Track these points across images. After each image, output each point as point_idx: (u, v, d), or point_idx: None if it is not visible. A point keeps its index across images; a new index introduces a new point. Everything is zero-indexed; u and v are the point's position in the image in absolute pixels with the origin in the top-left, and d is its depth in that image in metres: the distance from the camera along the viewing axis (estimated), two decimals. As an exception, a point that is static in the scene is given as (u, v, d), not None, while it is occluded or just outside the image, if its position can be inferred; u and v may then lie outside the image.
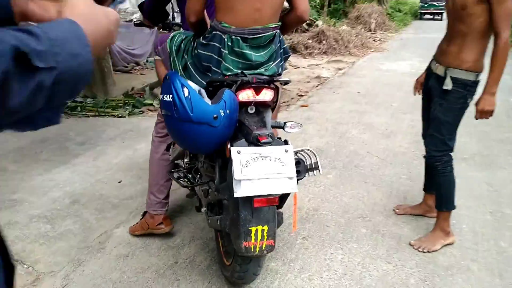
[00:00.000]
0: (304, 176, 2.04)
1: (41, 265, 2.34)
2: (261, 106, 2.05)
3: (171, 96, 1.75)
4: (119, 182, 3.37)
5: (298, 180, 2.03)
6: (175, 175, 2.41)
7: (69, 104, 5.55)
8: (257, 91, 1.97)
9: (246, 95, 1.95)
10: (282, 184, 1.83)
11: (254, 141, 1.83)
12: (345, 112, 5.45)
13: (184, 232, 2.64)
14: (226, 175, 1.93)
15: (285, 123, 2.07)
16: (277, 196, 1.85)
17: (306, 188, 3.28)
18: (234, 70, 2.00)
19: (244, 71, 1.98)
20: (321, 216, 2.87)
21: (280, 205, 2.30)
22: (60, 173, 3.51)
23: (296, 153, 2.32)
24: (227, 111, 1.80)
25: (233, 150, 1.79)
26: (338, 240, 2.61)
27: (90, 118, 5.28)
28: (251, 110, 2.02)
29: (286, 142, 1.95)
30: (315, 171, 2.19)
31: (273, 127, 2.06)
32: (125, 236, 2.61)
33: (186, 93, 1.75)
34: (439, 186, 2.58)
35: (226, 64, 2.00)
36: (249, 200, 1.81)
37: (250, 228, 1.84)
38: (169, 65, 2.29)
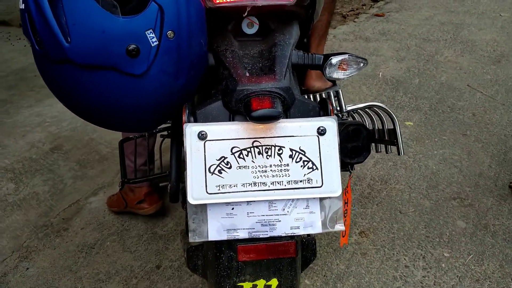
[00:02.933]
0: (368, 155, 1.05)
1: (-23, 252, 1.65)
2: (273, 18, 1.01)
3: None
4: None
5: (353, 165, 1.08)
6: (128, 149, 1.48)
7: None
8: None
9: None
10: (307, 212, 0.87)
11: (240, 109, 0.84)
12: (435, 24, 4.06)
13: (180, 213, 1.80)
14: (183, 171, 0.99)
15: (327, 57, 1.00)
16: (292, 242, 0.89)
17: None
18: None
19: None
20: (393, 194, 1.87)
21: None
22: (52, 106, 2.76)
23: (354, 112, 1.29)
24: (169, 32, 0.79)
25: (190, 133, 0.81)
26: (418, 240, 1.63)
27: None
28: (249, 28, 1.00)
29: (322, 106, 0.93)
30: (390, 147, 1.19)
31: (298, 67, 1.02)
32: (100, 211, 1.82)
33: None
34: None
35: None
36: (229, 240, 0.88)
37: (240, 284, 0.93)
38: None
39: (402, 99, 2.69)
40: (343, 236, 1.17)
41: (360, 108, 1.28)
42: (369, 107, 1.27)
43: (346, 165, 1.08)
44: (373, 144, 1.26)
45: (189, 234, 0.84)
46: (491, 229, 1.68)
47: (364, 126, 1.01)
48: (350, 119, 1.29)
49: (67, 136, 2.40)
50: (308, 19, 1.16)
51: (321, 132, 0.84)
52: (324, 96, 1.38)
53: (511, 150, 2.16)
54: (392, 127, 1.17)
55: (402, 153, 1.14)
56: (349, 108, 1.29)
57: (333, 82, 1.42)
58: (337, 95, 1.32)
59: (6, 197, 1.95)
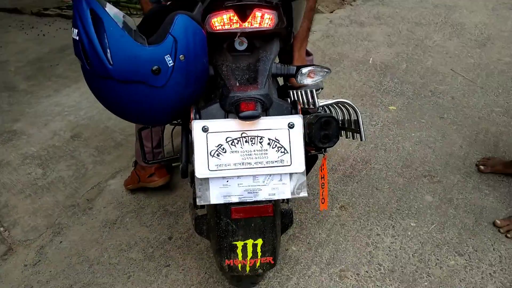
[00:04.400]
0: (337, 140, 1.30)
1: (18, 229, 1.95)
2: (258, 38, 1.27)
3: (76, 31, 1.04)
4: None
5: (325, 149, 1.33)
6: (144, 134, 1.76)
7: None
8: (244, 12, 1.19)
9: (223, 20, 1.18)
10: (280, 183, 1.15)
11: (232, 110, 1.13)
12: (428, 7, 4.23)
13: (188, 191, 2.09)
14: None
15: (298, 68, 1.29)
16: (270, 204, 1.18)
17: (358, 125, 2.49)
18: None
19: None
20: (371, 173, 2.14)
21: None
22: (69, 95, 3.04)
23: (326, 106, 1.55)
24: (181, 56, 1.08)
25: (196, 127, 1.11)
26: (390, 212, 1.91)
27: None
28: (240, 45, 1.26)
29: (294, 106, 1.21)
30: (355, 134, 1.43)
31: (277, 75, 1.30)
32: (119, 192, 2.12)
33: (98, 26, 1.02)
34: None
35: None
36: (225, 205, 1.18)
37: (234, 243, 1.23)
38: None
39: (389, 84, 2.92)
40: (322, 203, 1.45)
41: (332, 104, 1.52)
42: (338, 103, 1.51)
43: (320, 149, 1.35)
44: (343, 132, 1.51)
45: (197, 199, 1.15)
46: (455, 202, 1.94)
47: (334, 118, 1.27)
48: (324, 111, 1.55)
49: (85, 125, 2.69)
50: (288, 33, 1.41)
51: (291, 126, 1.15)
52: (303, 92, 1.63)
53: (482, 131, 2.40)
54: (355, 119, 1.42)
55: (364, 139, 1.40)
56: (321, 104, 1.54)
57: None
58: (311, 93, 1.56)
59: (36, 181, 2.25)
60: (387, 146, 2.31)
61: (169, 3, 1.37)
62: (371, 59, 3.27)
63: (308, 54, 2.13)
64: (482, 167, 2.11)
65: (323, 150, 1.35)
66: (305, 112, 1.36)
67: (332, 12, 4.41)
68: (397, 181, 2.07)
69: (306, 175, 1.60)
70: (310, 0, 1.68)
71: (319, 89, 1.76)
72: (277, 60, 1.81)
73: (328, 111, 1.59)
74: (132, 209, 2.01)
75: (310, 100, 1.48)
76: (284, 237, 1.79)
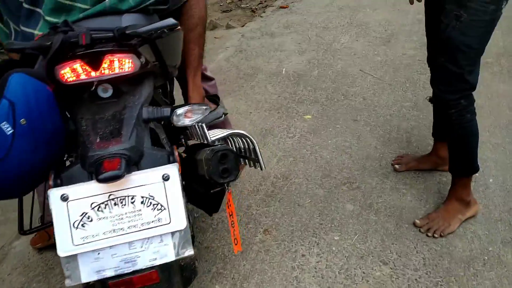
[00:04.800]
0: (237, 173, 1.21)
1: None
2: (124, 82, 1.14)
3: None
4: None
5: (228, 183, 1.23)
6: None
7: None
8: (95, 60, 1.06)
9: (75, 71, 1.05)
10: (161, 245, 1.05)
11: (93, 172, 0.99)
12: (334, 11, 4.33)
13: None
14: None
15: (173, 109, 1.18)
16: (153, 271, 1.08)
17: (276, 140, 2.45)
18: (54, 20, 1.09)
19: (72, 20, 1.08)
20: (292, 188, 2.09)
21: (211, 211, 1.52)
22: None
23: (219, 140, 1.45)
24: (22, 120, 0.94)
25: (53, 196, 0.97)
26: (313, 228, 1.86)
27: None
28: (105, 92, 1.14)
29: (171, 152, 1.11)
30: (255, 163, 1.36)
31: (149, 121, 1.17)
32: (25, 254, 1.91)
33: None
34: (453, 143, 1.74)
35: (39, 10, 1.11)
36: (102, 281, 1.05)
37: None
38: None
39: (303, 92, 2.91)
40: (235, 244, 1.36)
41: (227, 136, 1.43)
42: (232, 134, 1.43)
43: (222, 185, 1.26)
44: (246, 160, 1.43)
45: (66, 281, 1.01)
46: (375, 207, 1.94)
47: (231, 150, 1.18)
48: (221, 144, 1.45)
49: (-17, 183, 2.42)
50: (164, 69, 1.31)
51: (166, 178, 1.04)
52: (196, 127, 1.52)
53: (394, 128, 2.45)
54: (253, 147, 1.35)
55: (264, 168, 1.33)
56: (215, 137, 1.43)
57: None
58: (201, 128, 1.46)
59: None
60: (305, 158, 2.28)
61: (19, 55, 1.22)
62: (284, 69, 3.26)
63: (209, 79, 2.05)
64: (397, 166, 2.13)
65: (226, 184, 1.27)
66: (204, 146, 1.27)
67: (243, 26, 4.39)
68: (318, 193, 2.04)
69: (217, 212, 1.51)
70: (197, 27, 1.60)
71: (221, 116, 1.68)
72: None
73: (228, 142, 1.50)
74: (39, 272, 1.81)
75: (203, 135, 1.38)
76: (207, 276, 1.68)
